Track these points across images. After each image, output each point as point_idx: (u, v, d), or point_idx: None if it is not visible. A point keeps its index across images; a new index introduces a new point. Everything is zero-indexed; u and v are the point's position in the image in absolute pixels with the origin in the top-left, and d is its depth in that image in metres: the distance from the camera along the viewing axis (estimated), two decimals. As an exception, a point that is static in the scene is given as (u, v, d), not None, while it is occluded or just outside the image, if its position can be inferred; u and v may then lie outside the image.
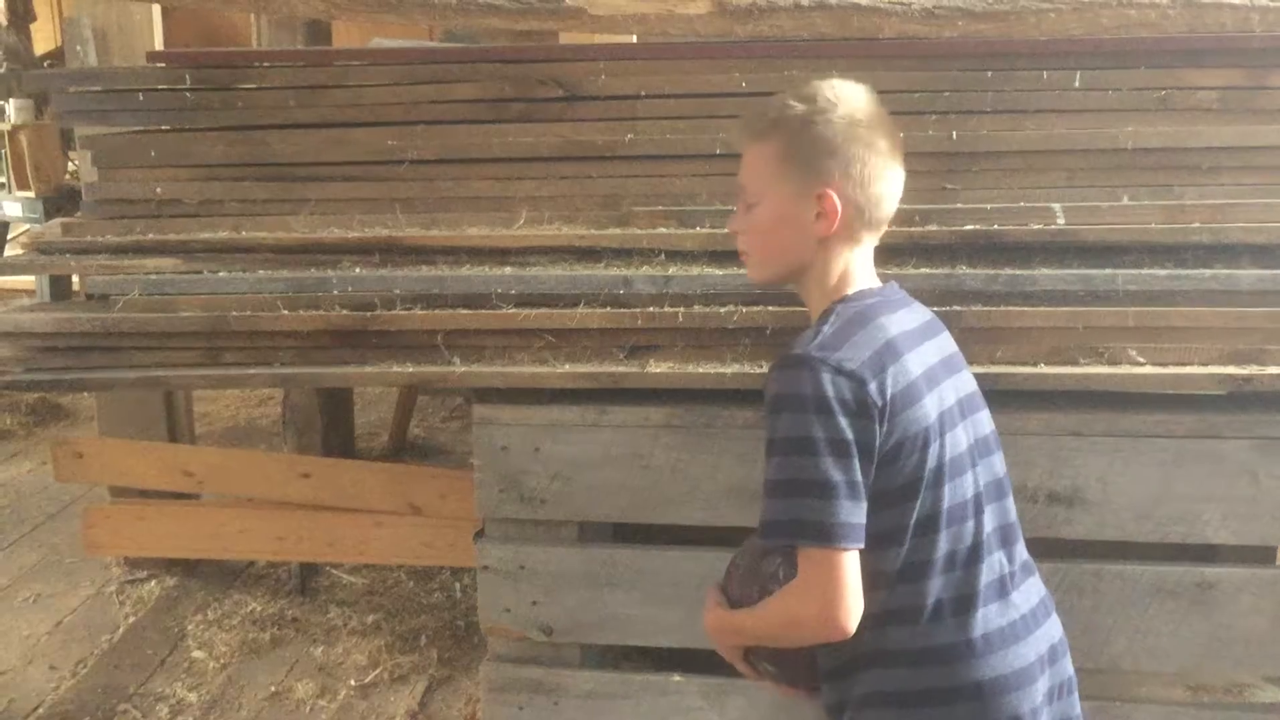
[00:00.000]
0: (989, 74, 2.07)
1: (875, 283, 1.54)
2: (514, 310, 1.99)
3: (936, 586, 1.40)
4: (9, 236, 5.32)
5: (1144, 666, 1.99)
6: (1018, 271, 1.95)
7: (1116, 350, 1.92)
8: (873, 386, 1.36)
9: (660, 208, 2.09)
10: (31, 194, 4.80)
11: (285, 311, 2.03)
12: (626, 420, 2.00)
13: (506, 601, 2.10)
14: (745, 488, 1.96)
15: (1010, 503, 1.51)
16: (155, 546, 3.29)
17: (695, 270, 2.01)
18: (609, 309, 1.98)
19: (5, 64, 5.09)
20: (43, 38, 6.32)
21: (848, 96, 1.48)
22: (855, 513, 1.35)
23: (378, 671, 2.94)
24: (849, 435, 1.34)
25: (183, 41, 5.22)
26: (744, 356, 1.96)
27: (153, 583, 3.44)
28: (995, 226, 2.00)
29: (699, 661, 2.08)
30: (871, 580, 1.39)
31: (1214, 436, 1.90)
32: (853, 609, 1.36)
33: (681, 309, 1.95)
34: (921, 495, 1.39)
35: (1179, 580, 1.95)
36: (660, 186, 2.12)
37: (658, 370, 1.96)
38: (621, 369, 1.97)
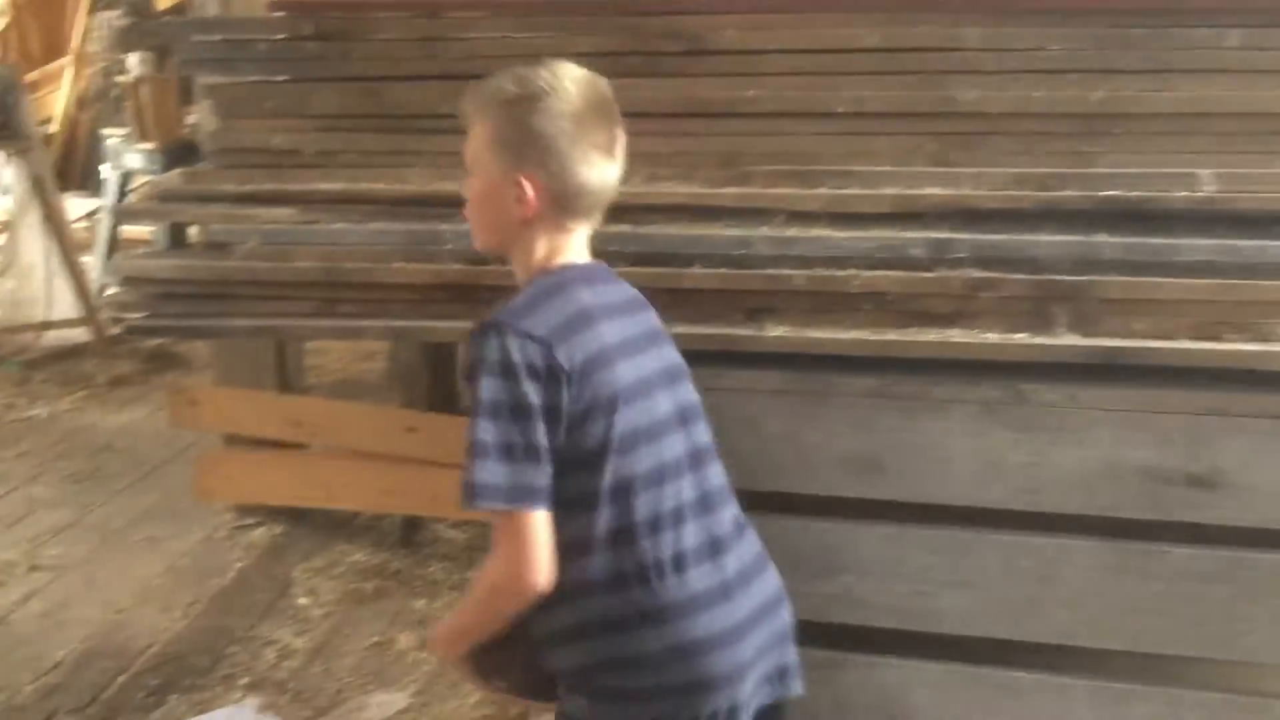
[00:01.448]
0: (1136, 31, 1.96)
1: (584, 261, 1.56)
2: (629, 268, 1.95)
3: (641, 550, 1.44)
4: (128, 189, 5.45)
5: (1283, 660, 1.89)
6: (1160, 240, 1.85)
7: (1266, 327, 1.81)
8: (560, 351, 1.40)
9: (781, 167, 2.03)
10: (152, 146, 4.92)
11: (400, 264, 2.02)
12: (738, 384, 1.95)
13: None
14: (859, 458, 1.90)
15: (716, 469, 1.55)
16: (264, 494, 3.36)
17: (815, 232, 1.95)
18: (725, 270, 1.93)
19: (128, 17, 5.21)
20: (165, -8, 6.44)
21: (564, 86, 1.46)
22: (538, 475, 1.39)
23: (478, 627, 2.96)
24: (533, 400, 1.39)
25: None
26: (864, 322, 1.89)
27: (261, 529, 3.50)
28: (1137, 193, 1.90)
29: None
30: (574, 546, 1.43)
31: (1369, 420, 1.78)
32: (540, 565, 1.40)
33: (801, 271, 1.89)
34: (613, 459, 1.43)
35: (1323, 571, 1.84)
36: (781, 145, 2.06)
37: (775, 333, 1.91)
38: (738, 331, 1.92)
